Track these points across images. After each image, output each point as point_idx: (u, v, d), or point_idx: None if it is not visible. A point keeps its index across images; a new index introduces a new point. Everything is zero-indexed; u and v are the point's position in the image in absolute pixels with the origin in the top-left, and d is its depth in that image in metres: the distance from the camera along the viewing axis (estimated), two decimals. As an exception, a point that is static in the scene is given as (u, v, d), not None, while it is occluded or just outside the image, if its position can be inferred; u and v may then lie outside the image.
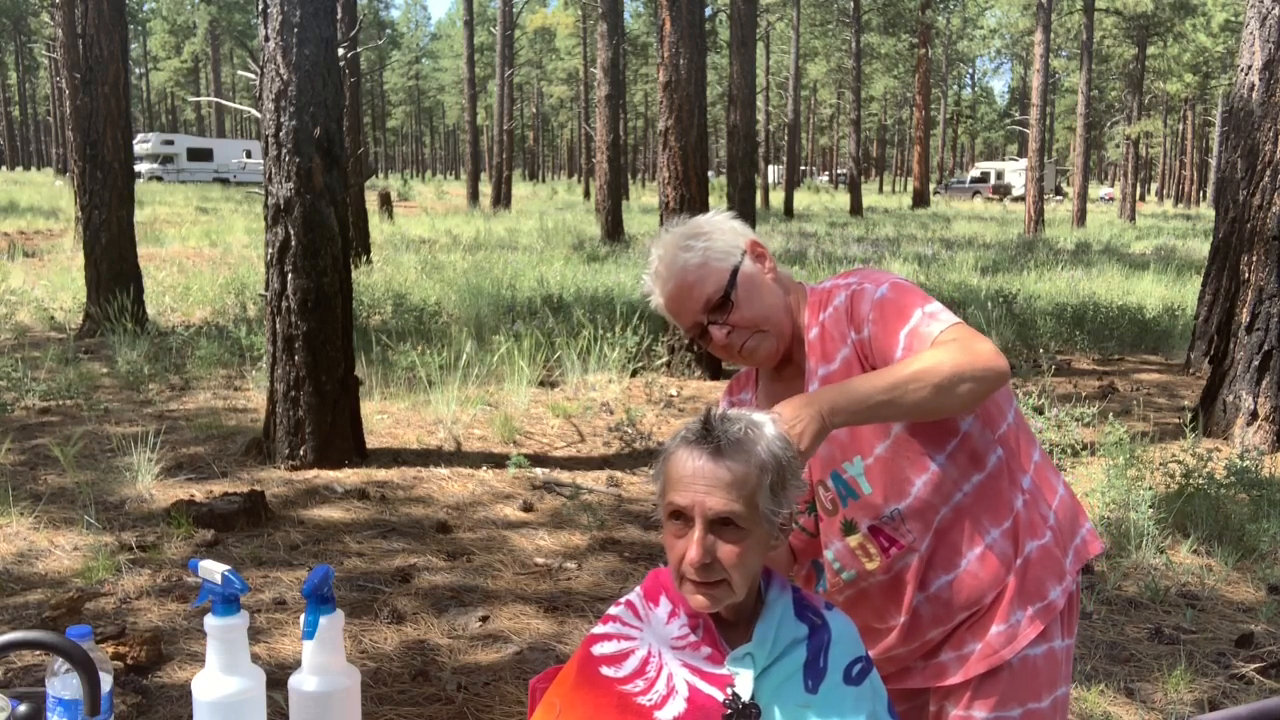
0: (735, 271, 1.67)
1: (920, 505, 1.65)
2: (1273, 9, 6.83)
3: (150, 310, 10.39)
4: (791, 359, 1.74)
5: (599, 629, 1.45)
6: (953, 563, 1.67)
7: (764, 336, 1.69)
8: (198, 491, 5.14)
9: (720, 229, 1.71)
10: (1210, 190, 57.78)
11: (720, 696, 1.36)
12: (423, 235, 20.94)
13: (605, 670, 1.39)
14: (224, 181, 48.60)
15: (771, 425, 1.40)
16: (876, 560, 1.70)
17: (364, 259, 14.88)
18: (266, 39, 5.42)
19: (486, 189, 41.86)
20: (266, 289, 5.65)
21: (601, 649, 1.42)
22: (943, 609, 1.69)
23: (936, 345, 1.55)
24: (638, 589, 1.49)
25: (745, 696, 1.36)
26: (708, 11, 22.71)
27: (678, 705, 1.35)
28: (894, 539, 1.68)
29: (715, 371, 8.44)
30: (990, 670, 1.68)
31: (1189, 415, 7.10)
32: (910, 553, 1.67)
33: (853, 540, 1.70)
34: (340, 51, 5.99)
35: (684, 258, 1.67)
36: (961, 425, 1.66)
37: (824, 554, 1.76)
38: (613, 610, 1.47)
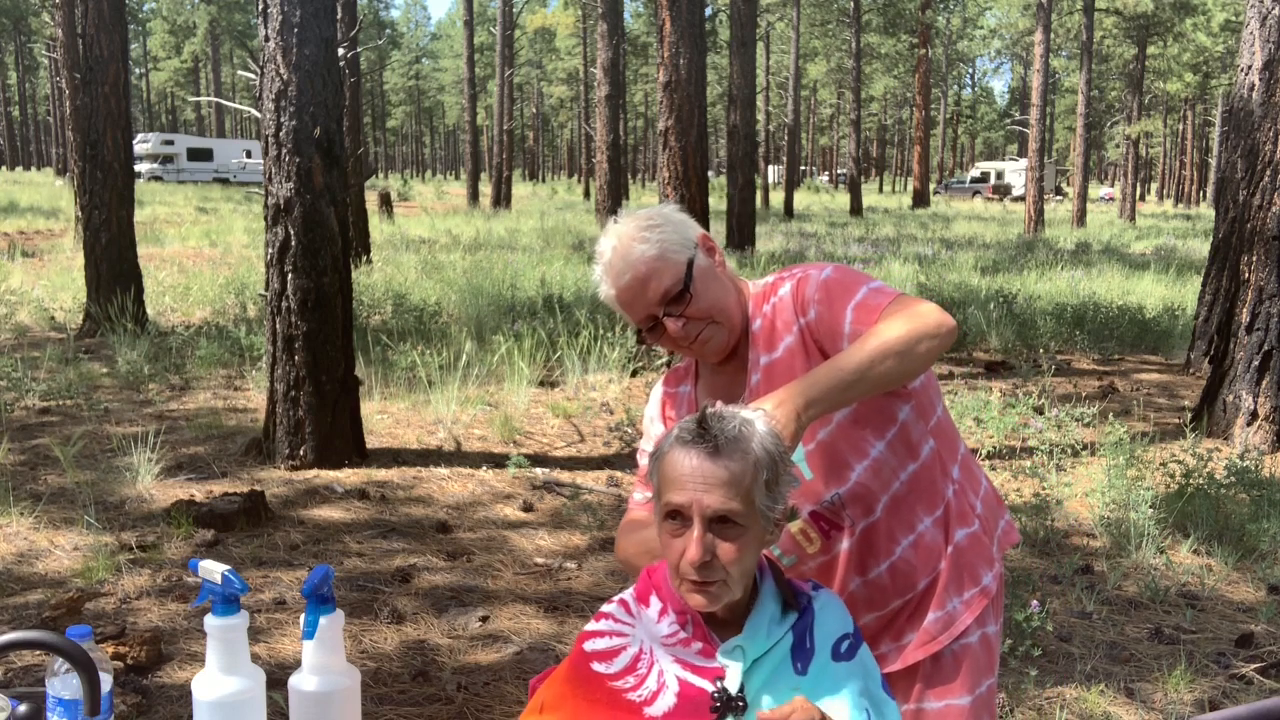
0: (691, 264, 1.69)
1: (861, 490, 1.69)
2: (1273, 9, 6.83)
3: (150, 310, 10.39)
4: (735, 352, 1.76)
5: (592, 626, 1.46)
6: (888, 550, 1.71)
7: (718, 328, 1.71)
8: (198, 491, 5.14)
9: (672, 221, 1.72)
10: (1210, 190, 57.78)
11: (710, 689, 1.36)
12: (423, 235, 20.94)
13: (596, 666, 1.40)
14: (224, 181, 48.62)
15: (762, 421, 1.41)
16: (817, 544, 1.73)
17: (364, 259, 14.87)
18: (266, 39, 5.42)
19: (486, 189, 41.86)
20: (266, 289, 5.65)
21: (594, 645, 1.43)
22: (878, 594, 1.73)
23: (883, 318, 1.59)
24: (631, 588, 1.50)
25: (734, 689, 1.36)
26: (708, 11, 22.69)
27: (668, 700, 1.36)
28: (834, 523, 1.71)
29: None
30: (933, 659, 1.72)
31: (1189, 415, 7.10)
32: (849, 536, 1.71)
33: (794, 526, 1.74)
34: (340, 51, 5.99)
35: (640, 249, 1.68)
36: (899, 414, 1.70)
37: None
38: (606, 608, 1.48)
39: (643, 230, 1.69)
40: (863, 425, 1.68)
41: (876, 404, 1.68)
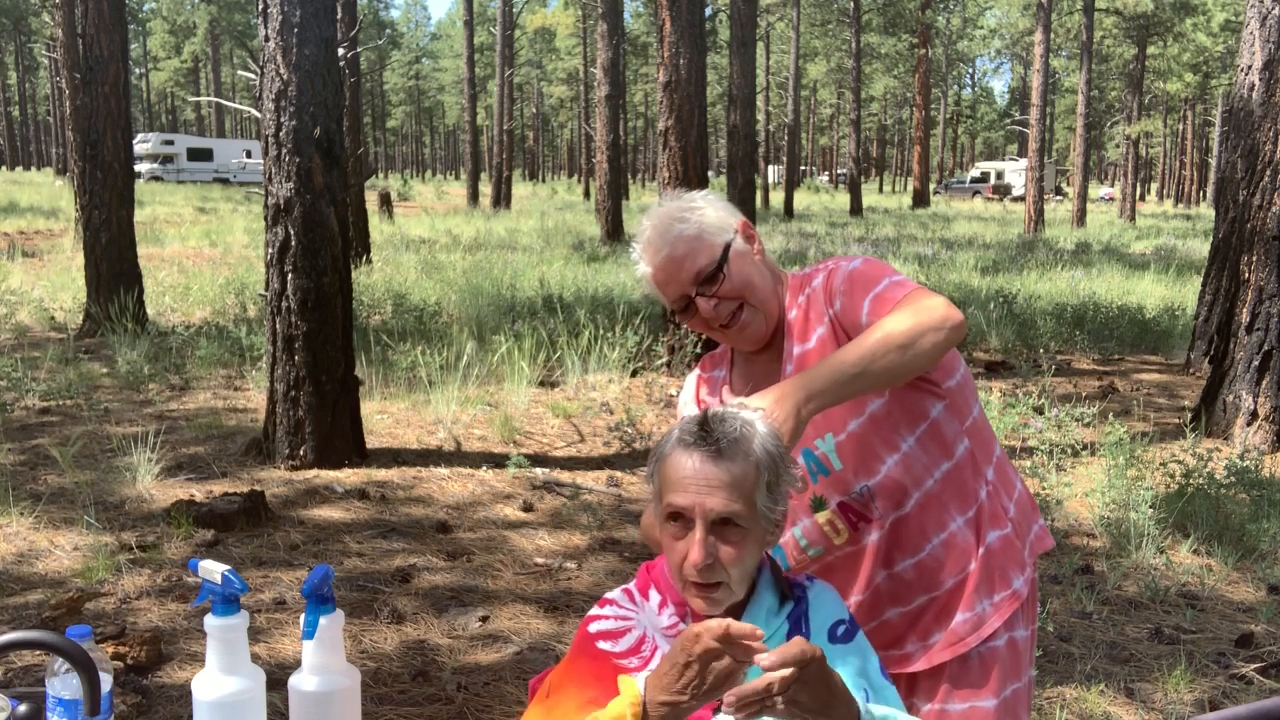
0: (728, 247, 1.70)
1: (890, 484, 1.68)
2: (1273, 9, 6.83)
3: (150, 310, 10.39)
4: (770, 342, 1.76)
5: (596, 610, 1.47)
6: (918, 546, 1.70)
7: (754, 312, 1.71)
8: (198, 491, 5.14)
9: (714, 205, 1.74)
10: (1210, 190, 57.76)
11: None
12: (423, 235, 20.94)
13: (602, 645, 1.42)
14: (224, 181, 48.60)
15: (762, 422, 1.41)
16: (845, 535, 1.72)
17: (364, 259, 14.87)
18: (266, 39, 5.42)
19: (486, 189, 41.85)
20: (266, 289, 5.65)
21: (600, 626, 1.44)
22: (903, 589, 1.72)
23: (893, 311, 1.59)
24: (632, 583, 1.51)
25: None
26: (708, 11, 22.68)
27: None
28: (862, 514, 1.71)
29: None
30: (959, 660, 1.71)
31: (1189, 415, 7.10)
32: (878, 529, 1.70)
33: (821, 517, 1.73)
34: (340, 51, 5.99)
35: (678, 228, 1.69)
36: (931, 411, 1.69)
37: (789, 532, 1.77)
38: (610, 595, 1.49)
39: (684, 210, 1.71)
40: (895, 418, 1.68)
41: (908, 398, 1.68)
